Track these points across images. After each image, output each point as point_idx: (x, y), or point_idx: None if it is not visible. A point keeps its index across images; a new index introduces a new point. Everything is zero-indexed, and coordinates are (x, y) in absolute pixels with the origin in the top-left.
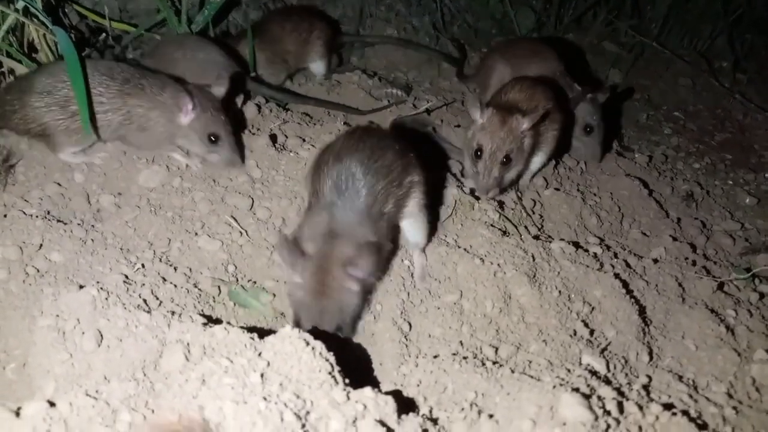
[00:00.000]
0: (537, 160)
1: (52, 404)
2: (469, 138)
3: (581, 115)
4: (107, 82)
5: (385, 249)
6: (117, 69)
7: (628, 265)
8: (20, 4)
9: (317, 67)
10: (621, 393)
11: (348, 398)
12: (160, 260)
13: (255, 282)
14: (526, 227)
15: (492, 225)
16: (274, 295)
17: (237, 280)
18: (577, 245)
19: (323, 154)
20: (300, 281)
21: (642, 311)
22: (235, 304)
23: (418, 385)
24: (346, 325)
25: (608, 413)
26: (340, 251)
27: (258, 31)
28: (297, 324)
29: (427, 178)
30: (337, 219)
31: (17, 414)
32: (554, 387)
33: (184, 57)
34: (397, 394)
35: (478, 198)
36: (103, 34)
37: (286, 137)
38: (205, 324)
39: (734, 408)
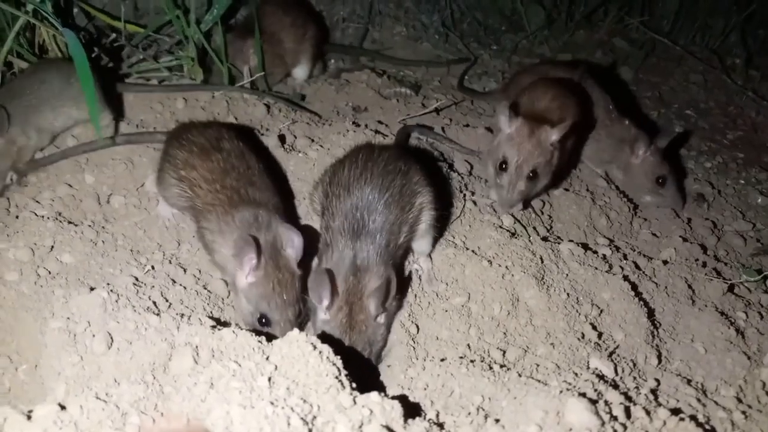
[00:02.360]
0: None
1: (62, 407)
2: (494, 147)
3: (647, 170)
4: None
5: (403, 278)
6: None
7: (637, 266)
8: (30, 6)
9: (301, 70)
10: (628, 397)
11: (354, 403)
12: (170, 262)
13: None
14: (534, 228)
15: (500, 226)
16: None
17: None
18: (586, 247)
19: (332, 184)
20: (327, 317)
21: (651, 314)
22: None
23: (425, 389)
24: (373, 355)
25: (615, 418)
26: (365, 287)
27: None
28: None
29: (435, 194)
30: (359, 258)
31: (29, 417)
32: (561, 392)
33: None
34: (403, 399)
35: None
36: (114, 34)
37: (295, 137)
38: (213, 327)
39: (743, 412)
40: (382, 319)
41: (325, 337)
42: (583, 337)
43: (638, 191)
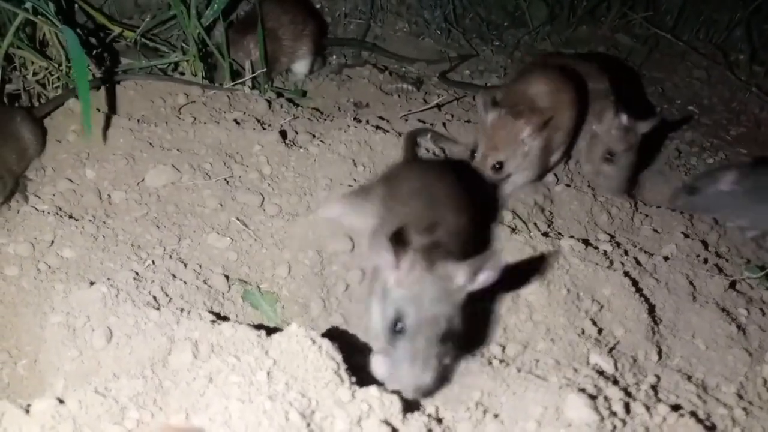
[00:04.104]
0: (552, 159)
1: (61, 401)
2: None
3: (604, 141)
4: None
5: None
6: None
7: (638, 262)
8: (28, 4)
9: (301, 66)
10: (628, 393)
11: (353, 397)
12: (170, 257)
13: (264, 284)
14: (535, 224)
15: (501, 222)
16: (283, 307)
17: (247, 277)
18: (586, 242)
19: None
20: (400, 278)
21: (651, 310)
22: (244, 301)
23: None
24: (452, 333)
25: (614, 414)
26: (448, 249)
27: (254, 25)
28: (394, 324)
29: None
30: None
31: (27, 411)
32: (560, 387)
33: None
34: None
35: None
36: (115, 30)
37: (296, 133)
38: (213, 321)
39: (744, 409)
40: (464, 293)
41: (325, 333)
42: (583, 332)
43: (586, 162)
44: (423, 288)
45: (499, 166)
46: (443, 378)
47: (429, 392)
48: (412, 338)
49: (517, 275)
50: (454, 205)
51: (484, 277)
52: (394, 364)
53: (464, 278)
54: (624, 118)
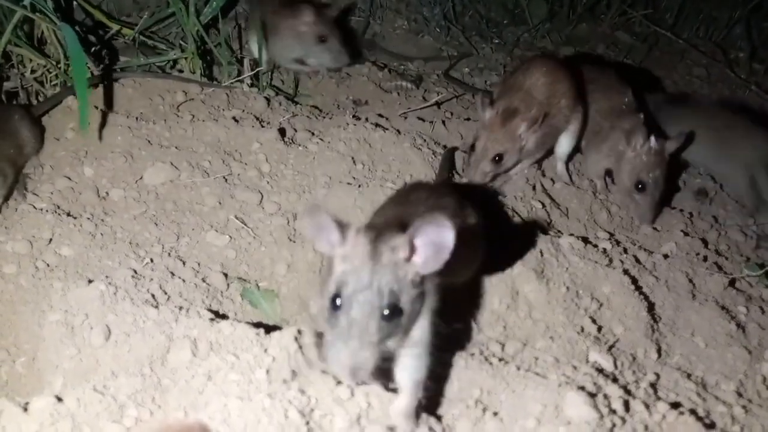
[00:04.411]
0: (565, 142)
1: (59, 399)
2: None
3: (632, 166)
4: None
5: None
6: None
7: (637, 260)
8: (27, 1)
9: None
10: (627, 391)
11: (352, 395)
12: (169, 255)
13: (262, 282)
14: (535, 222)
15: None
16: (282, 305)
17: (246, 275)
18: (586, 240)
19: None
20: (345, 251)
21: (651, 308)
22: (242, 299)
23: None
24: (400, 312)
25: (614, 412)
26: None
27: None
28: (334, 299)
29: None
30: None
31: (25, 409)
32: (560, 385)
33: None
34: None
35: None
36: (113, 28)
37: (295, 131)
38: (212, 319)
39: (743, 407)
40: (413, 271)
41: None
42: (582, 330)
43: (617, 186)
44: (364, 258)
45: (498, 159)
46: (386, 364)
47: (367, 374)
48: (349, 310)
49: (517, 273)
50: (433, 204)
51: (430, 250)
52: (329, 343)
53: (405, 247)
54: (653, 141)
